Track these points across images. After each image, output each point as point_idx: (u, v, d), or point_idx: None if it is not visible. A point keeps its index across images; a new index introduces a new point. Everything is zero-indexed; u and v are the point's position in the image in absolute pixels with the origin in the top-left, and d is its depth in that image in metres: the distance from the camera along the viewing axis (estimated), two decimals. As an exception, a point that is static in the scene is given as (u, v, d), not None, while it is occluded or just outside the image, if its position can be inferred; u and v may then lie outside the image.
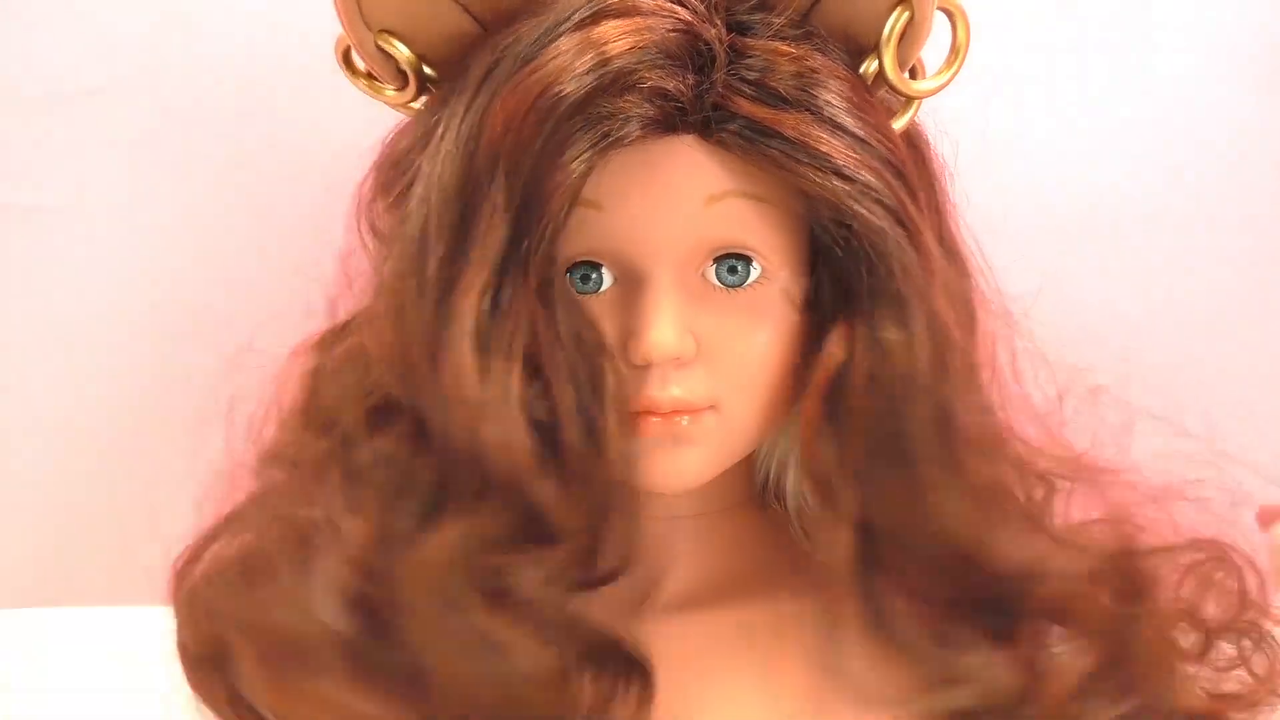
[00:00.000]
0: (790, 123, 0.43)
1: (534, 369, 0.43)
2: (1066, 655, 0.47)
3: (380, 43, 0.46)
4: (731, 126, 0.44)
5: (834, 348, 0.46)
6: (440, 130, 0.44)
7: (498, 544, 0.43)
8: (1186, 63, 0.68)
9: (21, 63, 0.68)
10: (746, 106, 0.43)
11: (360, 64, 0.49)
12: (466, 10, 0.46)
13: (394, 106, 0.50)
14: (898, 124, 0.47)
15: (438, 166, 0.44)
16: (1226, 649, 0.49)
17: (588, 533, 0.44)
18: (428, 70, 0.48)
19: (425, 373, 0.43)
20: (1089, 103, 0.68)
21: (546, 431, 0.43)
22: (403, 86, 0.48)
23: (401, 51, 0.47)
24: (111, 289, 0.71)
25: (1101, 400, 0.53)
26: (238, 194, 0.69)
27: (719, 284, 0.46)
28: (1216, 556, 0.49)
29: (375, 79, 0.49)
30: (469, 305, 0.42)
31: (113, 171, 0.70)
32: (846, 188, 0.44)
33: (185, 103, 0.69)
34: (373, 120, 0.51)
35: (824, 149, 0.43)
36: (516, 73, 0.42)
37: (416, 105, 0.49)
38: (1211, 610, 0.49)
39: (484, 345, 0.42)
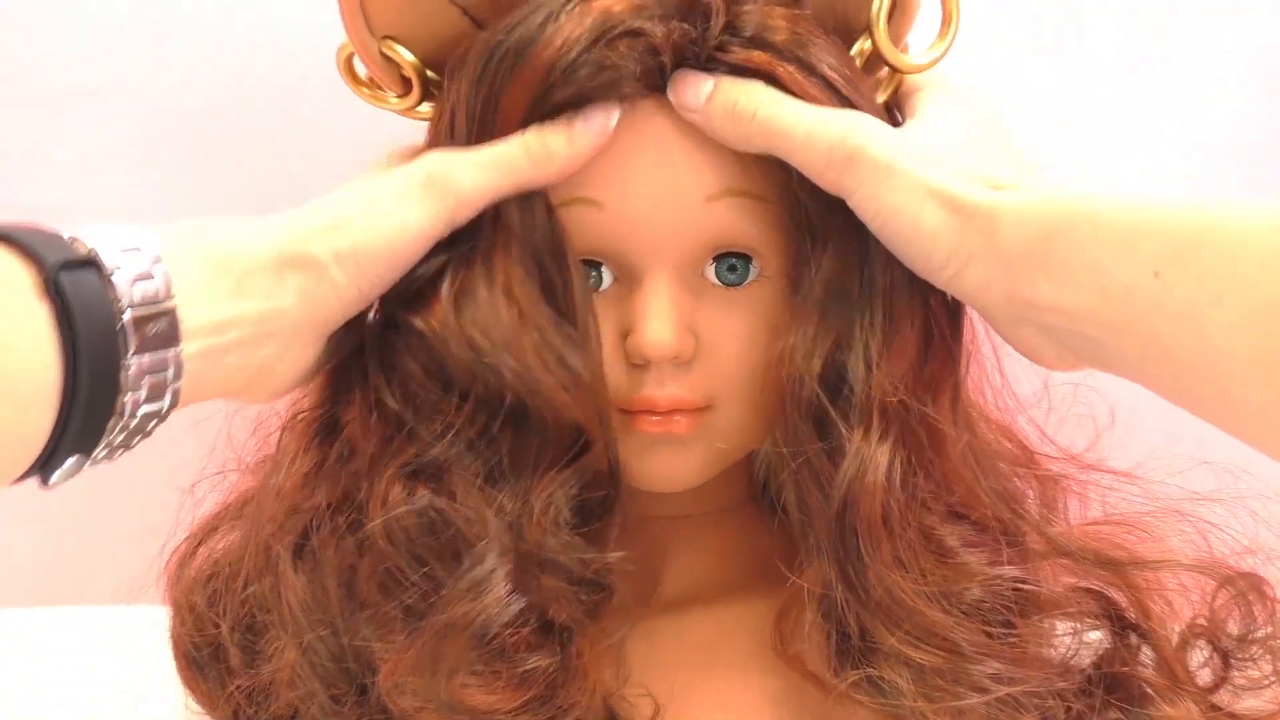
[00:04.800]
0: (783, 71, 0.44)
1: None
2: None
3: (384, 49, 0.47)
4: (726, 69, 0.44)
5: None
6: (450, 113, 0.45)
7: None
8: (1188, 62, 0.68)
9: (21, 63, 0.68)
10: (741, 54, 0.44)
11: (362, 72, 0.49)
12: (466, 13, 0.46)
13: (397, 113, 0.50)
14: (880, 98, 0.48)
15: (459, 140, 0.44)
16: (1253, 671, 0.47)
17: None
18: (430, 75, 0.48)
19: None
20: (1088, 104, 0.68)
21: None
22: (405, 93, 0.48)
23: (405, 57, 0.47)
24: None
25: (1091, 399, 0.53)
26: (237, 194, 0.69)
27: (718, 283, 0.47)
28: (1229, 577, 0.47)
29: (378, 86, 0.49)
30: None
31: (113, 171, 0.70)
32: None
33: (185, 103, 0.69)
34: (372, 120, 0.51)
35: (815, 101, 0.44)
36: (527, 48, 0.43)
37: (421, 110, 0.49)
38: (1233, 630, 0.47)
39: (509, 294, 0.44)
